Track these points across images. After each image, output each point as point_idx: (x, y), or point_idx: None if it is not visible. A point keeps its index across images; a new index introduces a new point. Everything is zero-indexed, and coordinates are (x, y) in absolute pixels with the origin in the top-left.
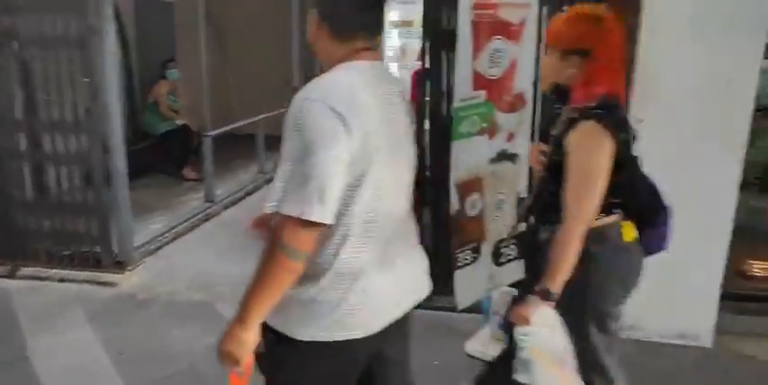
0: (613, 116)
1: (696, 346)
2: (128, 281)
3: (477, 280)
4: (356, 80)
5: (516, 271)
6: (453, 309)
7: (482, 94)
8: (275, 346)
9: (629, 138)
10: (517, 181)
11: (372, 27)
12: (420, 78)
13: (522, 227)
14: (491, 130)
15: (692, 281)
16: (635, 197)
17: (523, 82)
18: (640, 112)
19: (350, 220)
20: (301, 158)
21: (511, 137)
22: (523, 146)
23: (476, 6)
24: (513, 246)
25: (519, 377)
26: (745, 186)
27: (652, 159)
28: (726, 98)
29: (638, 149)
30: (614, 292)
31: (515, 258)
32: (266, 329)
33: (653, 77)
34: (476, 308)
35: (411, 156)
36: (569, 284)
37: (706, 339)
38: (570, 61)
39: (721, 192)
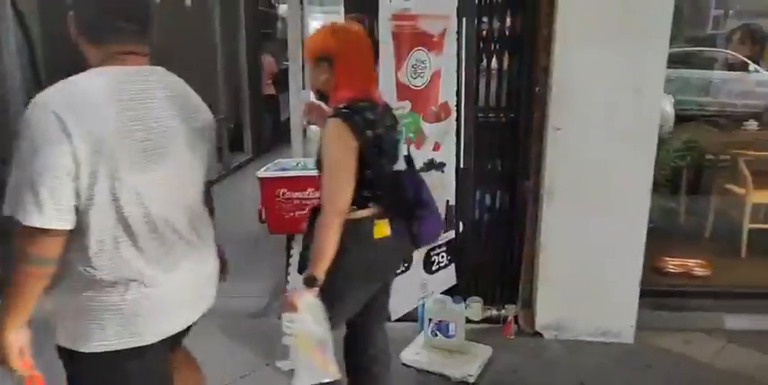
0: (360, 116)
1: (618, 343)
2: None
3: (410, 289)
4: (99, 85)
5: (448, 278)
6: (387, 319)
7: (407, 104)
8: (68, 363)
9: (381, 135)
10: (445, 189)
11: (131, 31)
12: None
13: (452, 234)
14: (418, 140)
15: (613, 280)
16: (398, 192)
17: (447, 92)
18: (557, 121)
19: (99, 226)
20: (24, 163)
21: (437, 146)
22: (450, 155)
23: (396, 18)
24: (443, 254)
25: (280, 363)
26: (656, 188)
27: (571, 165)
28: (635, 106)
29: (406, 149)
30: (359, 284)
31: (446, 265)
32: (59, 349)
33: (567, 87)
34: (410, 317)
35: (189, 161)
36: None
37: (628, 335)
38: (321, 68)
39: (636, 195)
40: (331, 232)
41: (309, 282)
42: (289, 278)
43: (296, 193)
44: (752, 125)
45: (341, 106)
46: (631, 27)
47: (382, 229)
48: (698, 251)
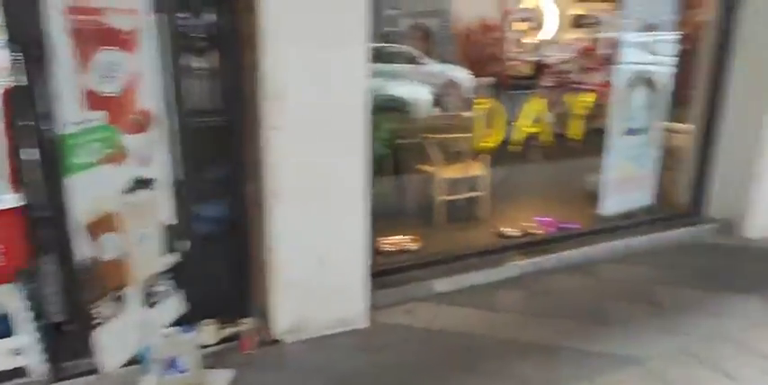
0: None
1: (356, 329)
2: None
3: (127, 333)
4: None
5: (175, 307)
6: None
7: (100, 115)
8: None
9: None
10: (158, 209)
11: None
12: (13, 99)
13: (173, 258)
14: (118, 156)
15: (343, 270)
16: None
17: (150, 98)
18: (272, 121)
19: None
20: None
21: (145, 160)
22: (162, 168)
23: (72, 11)
24: (165, 283)
25: None
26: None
27: (291, 164)
28: (343, 100)
29: None
30: None
31: (170, 294)
32: None
33: (278, 86)
34: (133, 360)
35: None
36: None
37: (363, 320)
38: None
39: (354, 185)
40: None
41: None
42: None
43: None
44: (434, 111)
45: None
46: (333, 25)
47: None
48: (405, 227)
